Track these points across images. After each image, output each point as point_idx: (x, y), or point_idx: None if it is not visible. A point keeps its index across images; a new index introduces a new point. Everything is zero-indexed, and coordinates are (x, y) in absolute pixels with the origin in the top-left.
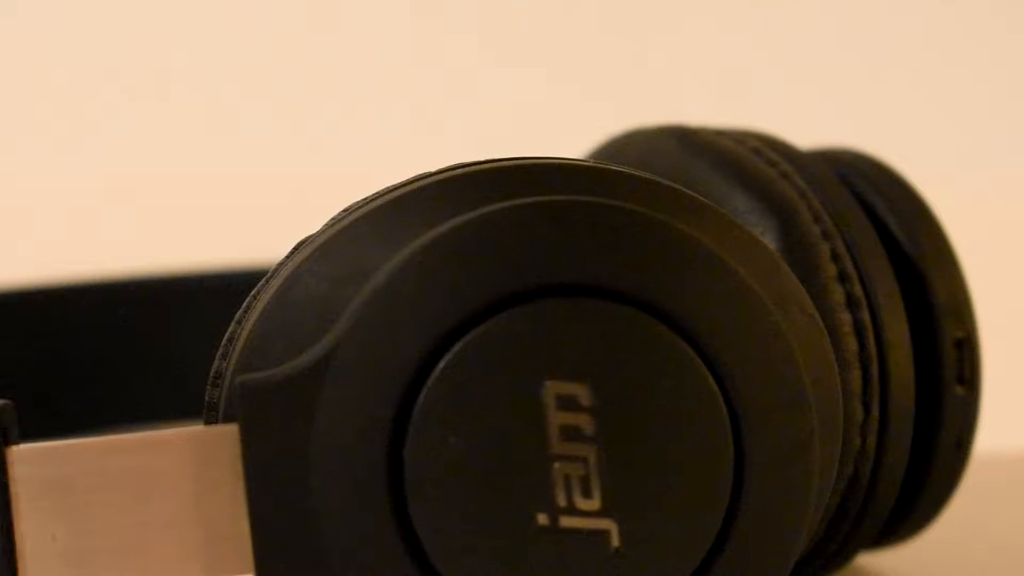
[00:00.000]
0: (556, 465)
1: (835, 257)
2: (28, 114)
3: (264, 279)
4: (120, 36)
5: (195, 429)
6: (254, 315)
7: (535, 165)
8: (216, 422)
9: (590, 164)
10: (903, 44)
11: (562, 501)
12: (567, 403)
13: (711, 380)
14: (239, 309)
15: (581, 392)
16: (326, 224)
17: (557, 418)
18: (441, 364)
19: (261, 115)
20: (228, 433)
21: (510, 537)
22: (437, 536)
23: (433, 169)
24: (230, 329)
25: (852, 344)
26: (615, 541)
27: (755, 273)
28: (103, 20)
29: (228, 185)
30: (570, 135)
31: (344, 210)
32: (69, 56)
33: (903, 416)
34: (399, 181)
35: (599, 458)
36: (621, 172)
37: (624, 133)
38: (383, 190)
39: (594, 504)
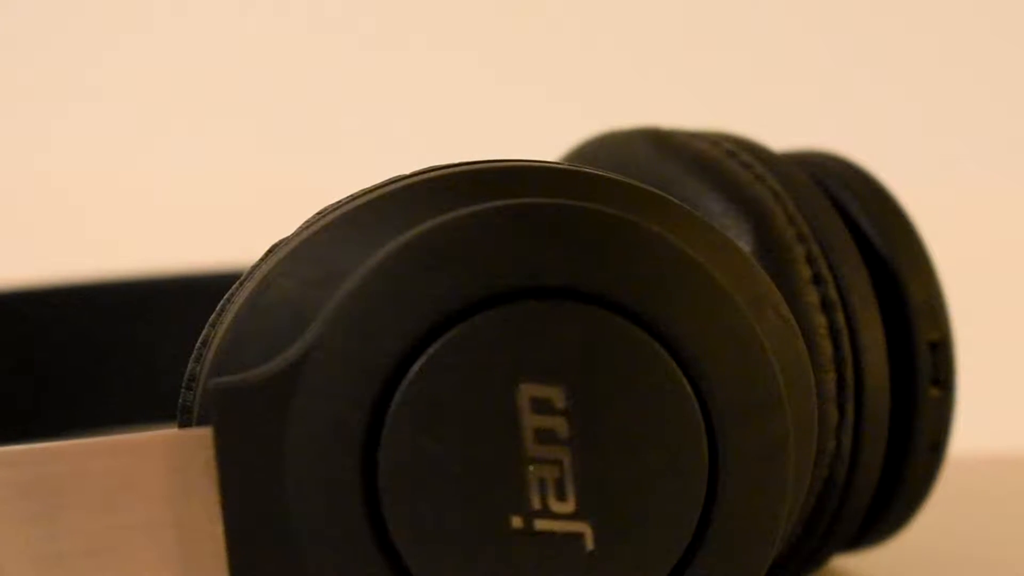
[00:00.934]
0: (531, 468)
1: (810, 260)
2: (16, 117)
3: (238, 282)
4: (107, 36)
5: (169, 432)
6: (227, 318)
7: (509, 168)
8: (190, 425)
9: (564, 167)
10: (876, 47)
11: (537, 504)
12: (542, 406)
13: (685, 383)
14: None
15: (555, 395)
16: (300, 227)
17: (532, 421)
18: (415, 367)
19: (239, 119)
20: (202, 436)
21: (484, 540)
22: (411, 539)
23: (407, 172)
24: (204, 332)
25: (827, 346)
26: (590, 544)
27: (729, 276)
28: (90, 20)
29: (204, 188)
30: (544, 138)
31: (318, 213)
32: (51, 55)
33: (878, 418)
34: (373, 184)
35: (574, 461)
36: (595, 175)
37: (598, 136)
38: (357, 193)
39: (569, 507)
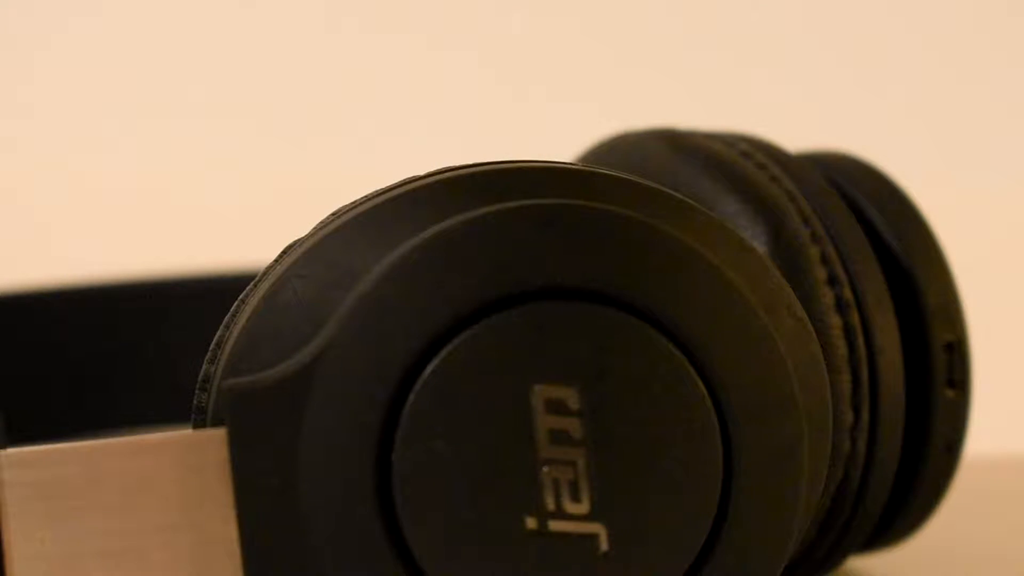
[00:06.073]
0: (545, 469)
1: (824, 260)
2: (25, 118)
3: (252, 283)
4: (113, 39)
5: (183, 433)
6: (242, 319)
7: (524, 168)
8: (204, 426)
9: (579, 167)
10: (891, 46)
11: (551, 505)
12: (556, 407)
13: (700, 384)
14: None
15: (570, 396)
16: (314, 228)
17: (546, 422)
18: (429, 368)
19: (254, 119)
20: (216, 437)
21: (499, 541)
22: (426, 540)
23: (421, 172)
24: (218, 333)
25: (842, 347)
26: (604, 545)
27: (744, 276)
28: (91, 21)
29: (219, 188)
30: (559, 139)
31: (332, 214)
32: (58, 57)
33: (893, 420)
34: (387, 184)
35: (588, 462)
36: (610, 176)
37: (613, 136)
38: (371, 193)
39: (583, 508)
